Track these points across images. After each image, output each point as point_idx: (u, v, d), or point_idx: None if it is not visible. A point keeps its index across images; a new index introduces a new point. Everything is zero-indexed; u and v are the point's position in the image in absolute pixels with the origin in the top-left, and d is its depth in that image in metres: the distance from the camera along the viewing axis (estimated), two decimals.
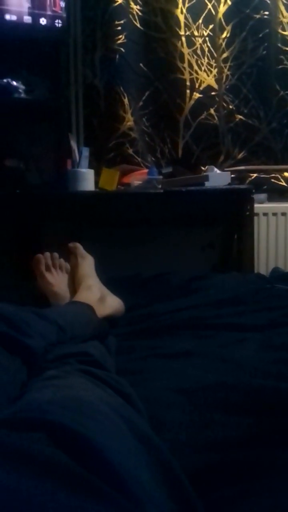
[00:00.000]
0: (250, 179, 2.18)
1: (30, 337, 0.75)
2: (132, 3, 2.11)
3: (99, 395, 0.57)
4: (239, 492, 0.50)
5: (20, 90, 1.90)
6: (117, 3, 2.09)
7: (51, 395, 0.54)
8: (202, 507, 0.45)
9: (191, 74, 2.19)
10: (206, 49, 2.19)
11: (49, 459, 0.39)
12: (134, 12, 2.13)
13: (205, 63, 2.19)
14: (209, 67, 2.20)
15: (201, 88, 2.20)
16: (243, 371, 0.85)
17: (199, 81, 2.20)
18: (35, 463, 0.38)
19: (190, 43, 2.17)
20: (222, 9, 2.17)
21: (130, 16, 2.12)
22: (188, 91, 2.19)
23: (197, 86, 2.20)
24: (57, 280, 1.24)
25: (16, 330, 0.74)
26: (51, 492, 0.35)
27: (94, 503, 0.36)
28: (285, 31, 2.21)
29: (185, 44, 2.17)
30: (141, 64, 2.16)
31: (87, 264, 1.28)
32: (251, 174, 2.18)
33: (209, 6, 2.16)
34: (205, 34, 2.18)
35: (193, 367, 0.87)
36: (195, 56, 2.18)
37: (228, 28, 2.18)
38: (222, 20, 2.18)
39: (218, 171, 2.02)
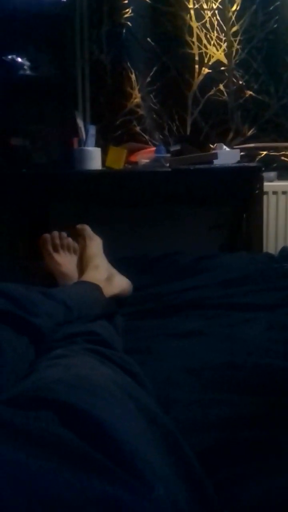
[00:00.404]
0: (259, 157, 2.15)
1: (38, 316, 0.75)
2: None
3: (107, 374, 0.57)
4: (247, 471, 0.50)
5: (25, 67, 1.87)
6: None
7: (59, 374, 0.54)
8: (211, 485, 0.45)
9: (200, 48, 2.14)
10: (216, 23, 2.14)
11: (56, 438, 0.39)
12: None
13: (214, 37, 2.14)
14: (218, 41, 2.15)
15: (210, 63, 2.16)
16: (251, 350, 0.85)
17: (208, 55, 2.15)
18: (42, 441, 0.38)
19: (199, 16, 2.12)
20: None
21: None
22: (196, 66, 2.15)
23: (206, 61, 2.15)
24: (65, 260, 1.23)
25: (24, 310, 0.74)
26: (57, 470, 0.36)
27: (100, 481, 0.36)
28: None
29: (193, 18, 2.12)
30: (148, 39, 2.12)
31: (95, 245, 1.28)
32: (261, 152, 2.15)
33: None
34: (214, 7, 2.13)
35: (201, 347, 0.88)
36: (204, 30, 2.13)
37: (238, 0, 2.12)
38: None
39: (227, 149, 1.99)
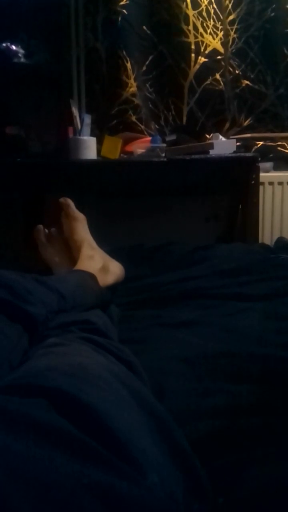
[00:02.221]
0: (256, 147, 2.14)
1: (32, 304, 0.74)
2: None
3: (101, 362, 0.57)
4: (242, 460, 0.50)
5: (20, 55, 1.85)
6: None
7: (52, 362, 0.54)
8: (205, 474, 0.45)
9: (196, 37, 2.12)
10: (212, 11, 2.11)
11: (49, 425, 0.39)
12: None
13: (210, 26, 2.12)
14: (215, 29, 2.12)
15: (206, 52, 2.13)
16: (246, 340, 0.85)
17: (204, 44, 2.13)
18: (35, 429, 0.38)
19: (195, 4, 2.09)
20: None
21: None
22: (193, 55, 2.12)
23: (202, 50, 2.13)
24: (59, 250, 1.23)
25: (17, 298, 0.73)
26: (51, 457, 0.36)
27: (95, 468, 0.36)
28: None
29: (190, 6, 2.09)
30: (144, 27, 2.09)
31: (80, 226, 1.23)
32: (257, 142, 2.14)
33: None
34: None
35: (197, 337, 0.87)
36: (201, 18, 2.11)
37: None
38: None
39: (224, 139, 1.98)
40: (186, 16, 2.09)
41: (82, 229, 1.23)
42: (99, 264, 1.17)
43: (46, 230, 1.23)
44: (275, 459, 0.50)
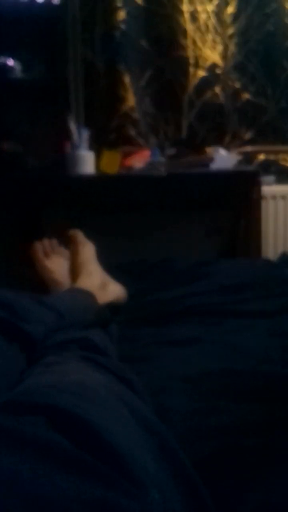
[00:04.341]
0: (257, 160, 2.13)
1: (30, 323, 0.75)
2: None
3: (100, 380, 0.57)
4: (246, 479, 0.50)
5: (17, 70, 1.85)
6: None
7: (51, 379, 0.55)
8: (208, 494, 0.44)
9: (194, 51, 2.12)
10: (211, 25, 2.12)
11: (48, 442, 0.39)
12: None
13: (209, 40, 2.14)
14: (213, 43, 2.13)
15: (205, 66, 2.14)
16: (250, 358, 0.84)
17: (203, 58, 2.13)
18: (34, 446, 0.39)
19: (194, 18, 2.11)
20: None
21: None
22: (191, 69, 2.13)
23: (201, 64, 2.14)
24: (57, 267, 1.23)
25: (15, 316, 0.74)
26: (51, 474, 0.36)
27: (95, 485, 0.36)
28: None
29: (188, 20, 2.11)
30: (142, 41, 2.11)
31: (87, 250, 1.27)
32: (259, 156, 2.13)
33: None
34: (209, 9, 2.11)
35: (199, 354, 0.87)
36: (199, 32, 2.12)
37: (234, 3, 2.12)
38: None
39: (224, 153, 1.96)
40: (185, 31, 2.12)
41: (89, 253, 1.26)
42: (98, 281, 1.17)
43: (48, 248, 1.24)
44: (280, 478, 0.50)
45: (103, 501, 0.35)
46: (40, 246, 1.24)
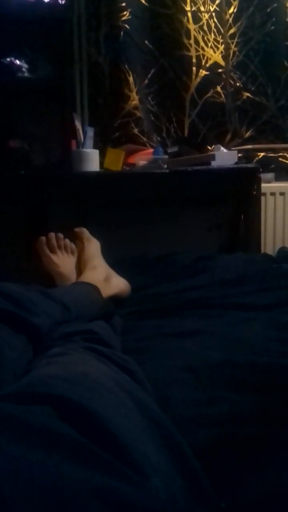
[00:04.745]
0: (257, 158, 2.15)
1: (36, 315, 0.76)
2: None
3: (104, 371, 0.58)
4: (245, 467, 0.51)
5: (24, 69, 1.87)
6: None
7: (56, 370, 0.55)
8: (208, 481, 0.45)
9: (197, 50, 2.14)
10: (213, 25, 2.14)
11: (54, 431, 0.40)
12: None
13: (211, 39, 2.15)
14: (215, 43, 2.15)
15: (207, 65, 2.16)
16: (250, 349, 0.85)
17: (205, 58, 2.15)
18: (41, 435, 0.39)
19: (196, 18, 2.13)
20: None
21: None
22: (194, 68, 2.15)
23: (203, 63, 2.15)
24: (63, 261, 1.24)
25: (22, 309, 0.74)
26: (56, 463, 0.36)
27: (99, 473, 0.36)
28: None
29: (191, 20, 2.12)
30: (146, 41, 2.11)
31: (93, 247, 1.29)
32: (259, 153, 2.15)
33: None
34: (212, 9, 2.13)
35: (200, 346, 0.88)
36: (202, 32, 2.14)
37: (235, 3, 2.13)
38: None
39: (225, 150, 1.99)
40: (187, 30, 2.12)
41: (94, 249, 1.28)
42: (103, 275, 1.19)
43: (54, 242, 1.24)
44: (279, 467, 0.51)
45: (107, 489, 0.35)
46: (45, 241, 1.24)
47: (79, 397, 0.45)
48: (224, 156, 1.91)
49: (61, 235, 1.27)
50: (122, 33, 2.07)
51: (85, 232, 1.31)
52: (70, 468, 0.36)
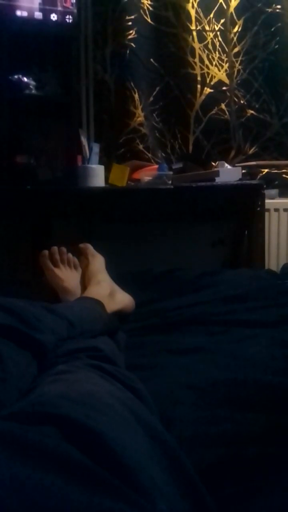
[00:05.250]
0: (261, 174, 2.16)
1: (41, 332, 0.75)
2: None
3: (109, 390, 0.58)
4: (250, 489, 0.50)
5: (31, 86, 1.90)
6: None
7: (61, 389, 0.54)
8: (213, 504, 0.45)
9: (202, 69, 2.17)
10: (217, 44, 2.17)
11: (60, 453, 0.39)
12: (145, 7, 2.11)
13: (216, 58, 2.18)
14: (220, 61, 2.18)
15: (212, 83, 2.19)
16: (253, 367, 0.85)
17: (210, 76, 2.18)
18: (46, 456, 0.39)
19: (201, 37, 2.16)
20: (234, 3, 2.15)
21: (141, 11, 2.11)
22: (199, 86, 2.18)
23: (208, 81, 2.18)
24: (66, 275, 1.23)
25: (27, 325, 0.74)
26: (60, 484, 0.36)
27: (104, 497, 0.36)
28: None
29: (196, 39, 2.15)
30: (151, 59, 2.15)
31: (98, 262, 1.29)
32: (262, 170, 2.16)
33: (221, 0, 2.14)
34: (217, 28, 2.16)
35: (203, 363, 0.87)
36: (206, 51, 2.17)
37: (240, 22, 2.16)
38: (234, 14, 2.16)
39: (229, 167, 2.01)
40: (192, 49, 2.15)
41: (99, 264, 1.27)
42: (107, 290, 1.18)
43: (57, 256, 1.25)
44: (282, 487, 0.50)
45: None
46: (47, 254, 1.23)
47: (85, 418, 0.45)
48: (228, 173, 1.92)
49: (64, 249, 1.27)
50: (128, 51, 2.11)
51: (90, 248, 1.31)
52: (74, 490, 0.35)
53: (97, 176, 1.82)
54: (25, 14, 1.83)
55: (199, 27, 2.15)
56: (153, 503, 0.39)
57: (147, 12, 2.12)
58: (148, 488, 0.40)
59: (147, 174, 1.93)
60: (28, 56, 1.93)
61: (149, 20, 2.12)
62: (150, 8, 2.12)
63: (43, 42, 1.93)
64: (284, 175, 2.20)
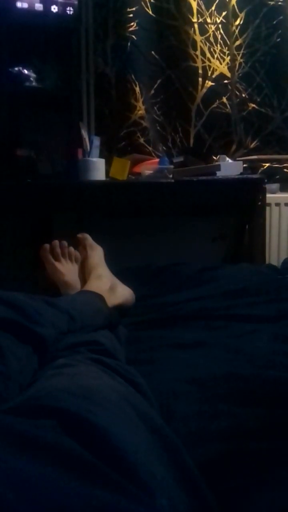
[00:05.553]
0: (262, 168, 2.16)
1: (42, 326, 0.75)
2: None
3: (109, 384, 0.58)
4: (251, 483, 0.50)
5: (31, 79, 1.89)
6: None
7: (62, 383, 0.54)
8: (214, 498, 0.44)
9: (203, 62, 2.16)
10: (219, 37, 2.16)
11: (61, 447, 0.39)
12: None
13: (217, 51, 2.16)
14: (221, 54, 2.17)
15: (213, 76, 2.18)
16: (254, 362, 0.85)
17: (211, 69, 2.17)
18: (47, 450, 0.39)
19: (203, 30, 2.15)
20: None
21: (142, 3, 2.10)
22: (200, 79, 2.17)
23: (209, 74, 2.17)
24: (67, 269, 1.23)
25: (28, 319, 0.74)
26: (60, 478, 0.36)
27: (104, 491, 0.36)
28: None
29: (197, 32, 2.14)
30: (153, 52, 2.14)
31: (97, 254, 1.28)
32: (264, 164, 2.16)
33: None
34: (218, 21, 2.15)
35: (204, 358, 0.87)
36: (208, 44, 2.16)
37: (242, 15, 2.15)
38: (236, 6, 2.14)
39: (230, 161, 2.00)
40: (194, 42, 2.14)
41: (98, 256, 1.26)
42: (107, 284, 1.18)
43: (58, 249, 1.24)
44: (283, 482, 0.50)
45: (112, 507, 0.35)
46: (48, 248, 1.23)
47: (86, 412, 0.45)
48: (229, 167, 1.92)
49: (65, 243, 1.26)
50: (129, 44, 2.10)
51: (88, 239, 1.29)
52: (74, 483, 0.36)
53: (98, 169, 1.82)
54: (25, 5, 1.83)
55: (200, 20, 2.14)
56: (153, 497, 0.39)
57: (148, 4, 2.11)
58: (148, 482, 0.40)
59: (147, 168, 1.93)
60: (29, 48, 1.92)
61: (150, 12, 2.11)
62: (151, 0, 2.10)
63: (44, 34, 1.92)
64: (285, 170, 2.19)
